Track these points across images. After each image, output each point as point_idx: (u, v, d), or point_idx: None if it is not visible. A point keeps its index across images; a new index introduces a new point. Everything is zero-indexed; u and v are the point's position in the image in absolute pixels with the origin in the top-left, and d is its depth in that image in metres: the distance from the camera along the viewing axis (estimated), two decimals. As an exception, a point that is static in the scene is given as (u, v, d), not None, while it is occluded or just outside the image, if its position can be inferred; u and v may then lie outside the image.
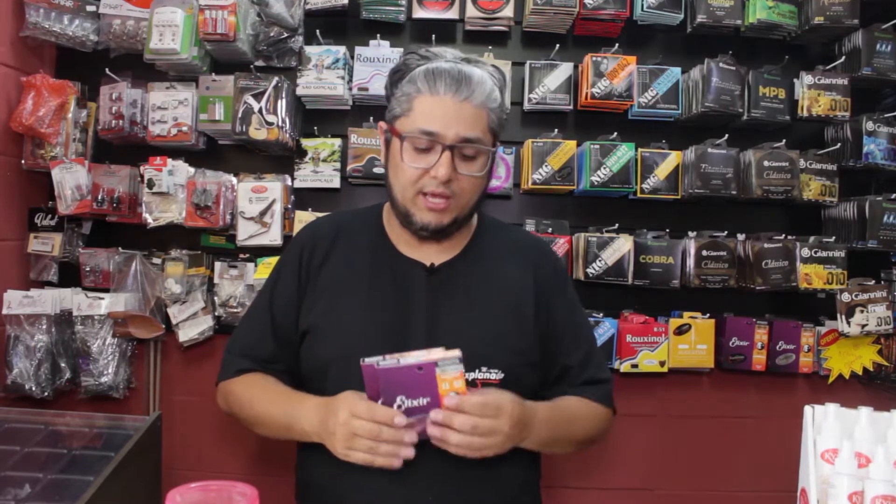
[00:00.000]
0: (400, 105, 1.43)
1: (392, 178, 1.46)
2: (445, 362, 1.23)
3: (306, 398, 1.42)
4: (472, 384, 1.41)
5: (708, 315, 2.46)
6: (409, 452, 1.26)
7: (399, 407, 1.25)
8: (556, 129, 2.44)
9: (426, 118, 1.38)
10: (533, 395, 1.55)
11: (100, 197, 2.36)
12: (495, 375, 1.43)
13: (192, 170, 2.39)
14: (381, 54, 2.40)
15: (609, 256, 2.35)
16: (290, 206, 2.45)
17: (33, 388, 2.30)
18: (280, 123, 2.34)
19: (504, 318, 1.48)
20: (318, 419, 1.34)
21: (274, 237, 2.39)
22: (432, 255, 1.50)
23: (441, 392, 1.24)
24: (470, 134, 1.38)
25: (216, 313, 2.44)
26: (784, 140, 2.42)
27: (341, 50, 2.38)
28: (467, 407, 1.25)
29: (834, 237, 2.45)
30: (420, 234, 1.45)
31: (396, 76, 1.46)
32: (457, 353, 1.23)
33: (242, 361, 1.55)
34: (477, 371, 1.42)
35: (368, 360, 1.23)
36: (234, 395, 1.54)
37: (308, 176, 2.45)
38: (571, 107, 2.44)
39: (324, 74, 2.37)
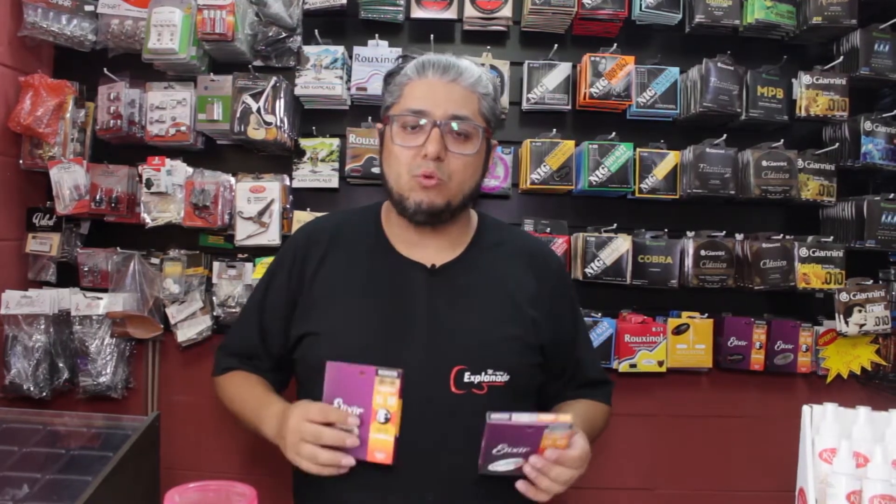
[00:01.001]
0: (391, 95, 1.47)
1: (386, 168, 1.48)
2: (555, 427, 1.25)
3: (272, 403, 1.45)
4: (478, 387, 1.41)
5: (706, 315, 2.46)
6: (349, 461, 1.27)
7: (498, 452, 1.27)
8: (554, 129, 2.44)
9: (415, 99, 1.41)
10: (533, 395, 1.55)
11: (98, 197, 2.36)
12: (501, 378, 1.43)
13: (190, 170, 2.38)
14: (379, 54, 2.40)
15: (607, 256, 2.35)
16: (288, 206, 2.45)
17: (31, 389, 2.30)
18: (278, 123, 2.34)
19: (507, 320, 1.47)
20: (276, 427, 1.37)
21: (272, 237, 2.38)
22: (432, 255, 1.49)
23: (542, 445, 1.27)
24: (459, 112, 1.40)
25: (214, 313, 2.44)
26: (782, 140, 2.42)
27: (340, 50, 2.38)
28: (566, 462, 1.28)
29: (832, 237, 2.45)
30: (415, 218, 1.44)
31: (390, 77, 1.50)
32: (568, 419, 1.25)
33: (230, 360, 1.60)
34: (483, 374, 1.41)
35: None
36: (222, 391, 1.61)
37: (306, 176, 2.45)
38: (570, 107, 2.44)
39: (322, 74, 2.37)
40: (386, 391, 1.26)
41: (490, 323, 1.46)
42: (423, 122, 1.39)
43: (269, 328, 1.56)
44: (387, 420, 1.26)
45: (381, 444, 1.26)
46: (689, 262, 2.39)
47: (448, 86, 1.40)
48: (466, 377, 1.41)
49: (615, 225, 2.43)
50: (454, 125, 1.39)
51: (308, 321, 1.48)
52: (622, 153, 2.36)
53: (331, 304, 1.48)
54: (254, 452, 2.53)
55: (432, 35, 2.43)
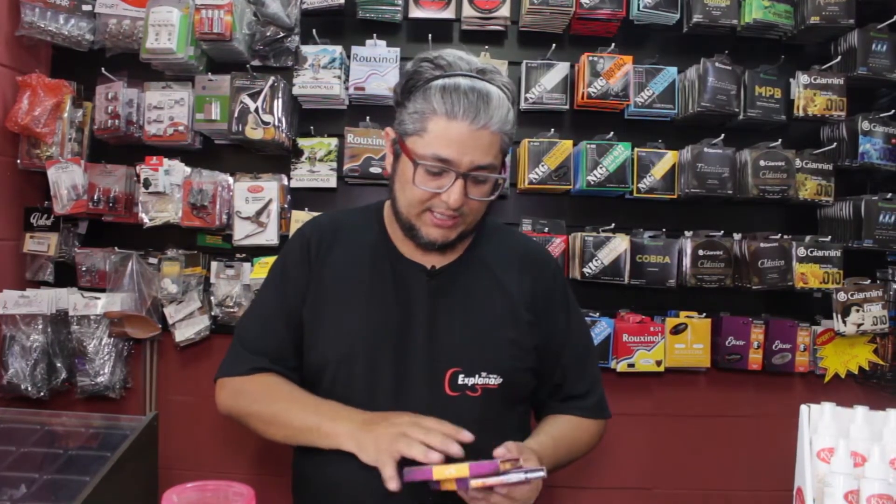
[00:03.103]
0: (413, 122, 1.35)
1: (398, 191, 1.42)
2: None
3: (341, 406, 1.39)
4: (471, 389, 1.41)
5: (704, 314, 2.46)
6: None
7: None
8: (552, 129, 2.44)
9: (441, 143, 1.31)
10: (527, 398, 1.55)
11: (96, 197, 2.35)
12: (494, 380, 1.43)
13: (188, 169, 2.38)
14: (377, 54, 2.40)
15: (605, 256, 2.35)
16: (286, 206, 2.45)
17: (29, 389, 2.30)
18: (276, 123, 2.34)
19: (503, 323, 1.47)
20: (362, 419, 1.32)
21: (270, 237, 2.38)
22: (433, 257, 1.49)
23: None
24: (484, 161, 1.34)
25: (213, 313, 2.44)
26: (780, 140, 2.42)
27: (338, 49, 2.38)
28: (516, 495, 1.24)
29: (830, 237, 2.45)
30: (426, 248, 1.44)
31: (409, 84, 1.37)
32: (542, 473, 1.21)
33: (258, 359, 1.50)
34: (476, 376, 1.42)
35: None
36: (248, 393, 1.49)
37: (304, 176, 2.45)
38: (568, 106, 2.45)
39: (320, 74, 2.37)
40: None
41: (486, 325, 1.46)
42: (447, 168, 1.34)
43: (297, 317, 1.50)
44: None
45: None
46: (686, 261, 2.39)
47: (476, 133, 1.31)
48: (461, 379, 1.41)
49: (613, 225, 2.43)
50: (477, 176, 1.36)
51: (311, 317, 1.48)
52: (620, 153, 2.36)
53: (333, 303, 1.47)
54: (252, 452, 2.53)
55: (430, 35, 2.42)
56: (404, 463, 1.24)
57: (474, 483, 1.17)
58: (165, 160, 2.34)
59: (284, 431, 1.43)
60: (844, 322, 2.39)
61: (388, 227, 1.54)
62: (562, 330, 1.56)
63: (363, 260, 1.50)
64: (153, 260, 2.41)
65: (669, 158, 2.41)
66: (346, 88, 2.42)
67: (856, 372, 2.48)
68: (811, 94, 2.41)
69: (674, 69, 2.43)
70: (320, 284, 1.49)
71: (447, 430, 1.24)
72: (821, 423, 1.27)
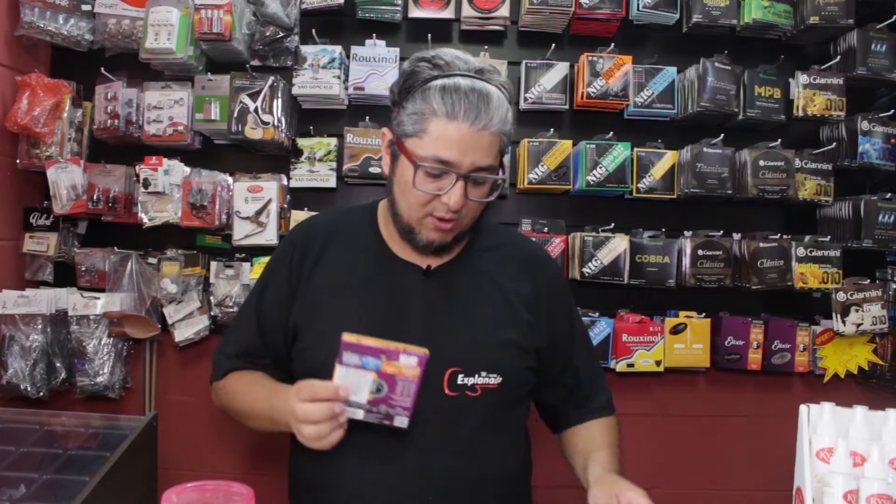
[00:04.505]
0: (412, 123, 1.33)
1: (398, 194, 1.41)
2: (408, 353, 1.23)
3: (281, 390, 1.40)
4: (471, 389, 1.41)
5: (704, 314, 2.46)
6: (339, 434, 1.26)
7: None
8: (552, 129, 2.44)
9: (442, 145, 1.30)
10: (525, 397, 1.55)
11: (95, 197, 2.35)
12: (494, 380, 1.42)
13: (187, 169, 2.38)
14: (377, 54, 2.40)
15: (605, 256, 2.35)
16: (286, 206, 2.44)
17: (28, 389, 2.30)
18: (276, 123, 2.34)
19: (502, 322, 1.47)
20: (287, 411, 1.32)
21: (270, 237, 2.38)
22: (428, 257, 1.49)
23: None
24: (484, 162, 1.33)
25: (212, 313, 2.44)
26: (779, 140, 2.43)
27: (337, 49, 2.38)
28: None
29: (829, 236, 2.45)
30: (423, 250, 1.43)
31: (406, 84, 1.35)
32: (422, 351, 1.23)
33: (231, 362, 1.56)
34: (476, 376, 1.41)
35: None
36: (225, 393, 1.56)
37: (304, 175, 2.45)
38: (567, 106, 2.45)
39: (320, 74, 2.37)
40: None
41: (484, 325, 1.45)
42: (447, 170, 1.33)
43: (269, 325, 1.53)
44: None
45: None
46: (686, 261, 2.39)
47: (477, 134, 1.30)
48: (460, 379, 1.40)
49: (613, 224, 2.43)
50: (477, 177, 1.35)
51: (304, 316, 1.48)
52: (620, 153, 2.36)
53: (326, 304, 1.47)
54: (251, 452, 2.53)
55: (430, 35, 2.42)
56: None
57: None
58: (165, 160, 2.34)
59: (260, 424, 1.49)
60: (844, 322, 2.39)
61: (381, 228, 1.53)
62: (566, 331, 1.56)
63: (356, 261, 1.50)
64: (152, 260, 2.41)
65: (669, 158, 2.41)
66: (346, 88, 2.42)
67: (855, 372, 2.48)
68: (810, 94, 2.41)
69: (673, 69, 2.43)
70: (311, 288, 1.48)
71: (325, 396, 1.25)
72: (820, 423, 1.27)
